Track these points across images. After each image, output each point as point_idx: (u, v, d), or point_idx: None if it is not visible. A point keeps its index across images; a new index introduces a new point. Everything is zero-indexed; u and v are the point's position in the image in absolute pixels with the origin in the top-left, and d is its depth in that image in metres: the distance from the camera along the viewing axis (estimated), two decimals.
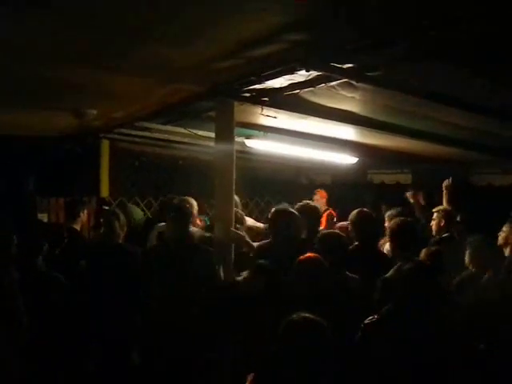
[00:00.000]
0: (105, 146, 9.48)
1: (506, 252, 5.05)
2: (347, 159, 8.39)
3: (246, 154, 7.89)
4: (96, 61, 4.49)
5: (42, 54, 4.31)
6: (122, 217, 5.90)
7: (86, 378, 5.27)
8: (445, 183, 7.55)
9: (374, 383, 3.56)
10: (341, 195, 9.41)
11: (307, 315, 3.02)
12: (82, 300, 5.14)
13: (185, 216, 5.42)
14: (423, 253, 4.91)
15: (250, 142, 7.13)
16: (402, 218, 5.45)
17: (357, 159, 8.41)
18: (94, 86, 5.38)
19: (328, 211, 8.60)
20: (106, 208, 8.48)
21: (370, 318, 3.72)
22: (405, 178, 9.59)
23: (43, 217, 8.66)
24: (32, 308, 4.46)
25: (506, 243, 5.10)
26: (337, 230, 5.54)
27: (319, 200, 8.80)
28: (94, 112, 6.62)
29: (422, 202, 7.71)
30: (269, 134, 7.27)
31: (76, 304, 5.03)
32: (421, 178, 7.69)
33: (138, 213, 8.53)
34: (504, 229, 5.19)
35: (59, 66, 4.62)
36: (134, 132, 8.15)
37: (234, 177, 5.45)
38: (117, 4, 3.28)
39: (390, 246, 5.07)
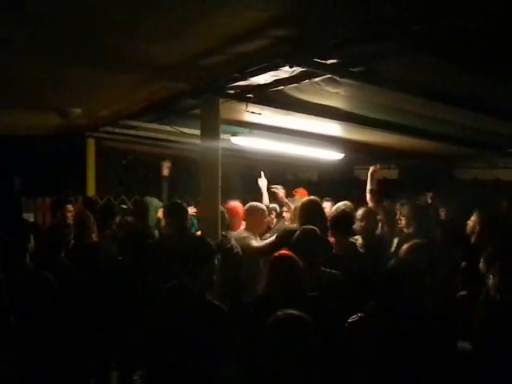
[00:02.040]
0: (90, 144, 9.45)
1: (472, 240, 5.29)
2: (333, 155, 8.42)
3: (232, 152, 7.88)
4: (80, 59, 4.48)
5: (27, 53, 4.30)
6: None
7: (76, 379, 5.25)
8: (371, 169, 7.40)
9: (361, 381, 3.56)
10: (328, 191, 9.41)
11: (293, 312, 3.01)
12: (71, 299, 5.10)
13: (181, 213, 5.77)
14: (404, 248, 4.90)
15: (235, 139, 7.13)
16: (341, 207, 5.84)
17: (343, 155, 8.45)
18: (78, 84, 5.37)
19: None
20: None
21: (354, 316, 3.69)
22: (391, 173, 9.65)
23: (29, 216, 8.63)
24: (21, 308, 4.43)
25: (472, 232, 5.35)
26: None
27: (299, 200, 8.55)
28: (79, 110, 6.60)
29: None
30: (255, 131, 7.27)
31: (65, 303, 4.98)
32: (407, 173, 7.67)
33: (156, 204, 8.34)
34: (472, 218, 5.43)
35: (44, 64, 4.61)
36: (119, 130, 8.13)
37: (220, 174, 5.44)
38: (103, 1, 3.28)
39: (331, 231, 5.50)
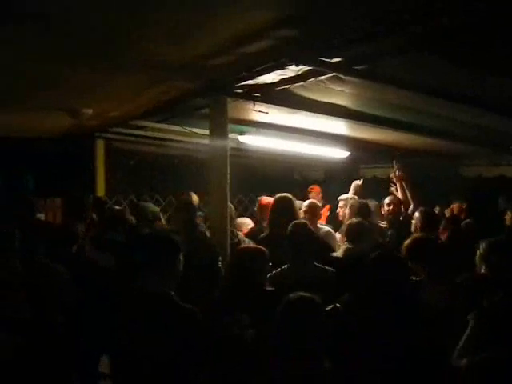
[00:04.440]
0: (100, 145, 9.57)
1: None
2: (339, 153, 8.51)
3: (240, 151, 7.96)
4: (92, 60, 4.59)
5: (39, 54, 4.41)
6: None
7: None
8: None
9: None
10: (334, 191, 9.49)
11: (304, 294, 3.12)
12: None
13: (190, 210, 5.74)
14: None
15: (243, 138, 7.22)
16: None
17: (348, 153, 8.54)
18: (89, 85, 5.49)
19: (328, 206, 8.52)
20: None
21: (330, 306, 3.72)
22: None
23: (40, 216, 8.73)
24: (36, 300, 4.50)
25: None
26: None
27: (315, 196, 8.72)
28: (90, 111, 6.70)
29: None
30: (262, 130, 7.36)
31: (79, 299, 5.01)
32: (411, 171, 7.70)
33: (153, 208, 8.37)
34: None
35: (56, 66, 4.71)
36: (128, 131, 8.24)
37: (229, 173, 5.51)
38: (113, 3, 3.39)
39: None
